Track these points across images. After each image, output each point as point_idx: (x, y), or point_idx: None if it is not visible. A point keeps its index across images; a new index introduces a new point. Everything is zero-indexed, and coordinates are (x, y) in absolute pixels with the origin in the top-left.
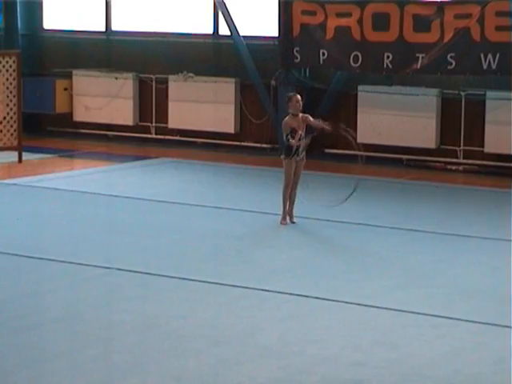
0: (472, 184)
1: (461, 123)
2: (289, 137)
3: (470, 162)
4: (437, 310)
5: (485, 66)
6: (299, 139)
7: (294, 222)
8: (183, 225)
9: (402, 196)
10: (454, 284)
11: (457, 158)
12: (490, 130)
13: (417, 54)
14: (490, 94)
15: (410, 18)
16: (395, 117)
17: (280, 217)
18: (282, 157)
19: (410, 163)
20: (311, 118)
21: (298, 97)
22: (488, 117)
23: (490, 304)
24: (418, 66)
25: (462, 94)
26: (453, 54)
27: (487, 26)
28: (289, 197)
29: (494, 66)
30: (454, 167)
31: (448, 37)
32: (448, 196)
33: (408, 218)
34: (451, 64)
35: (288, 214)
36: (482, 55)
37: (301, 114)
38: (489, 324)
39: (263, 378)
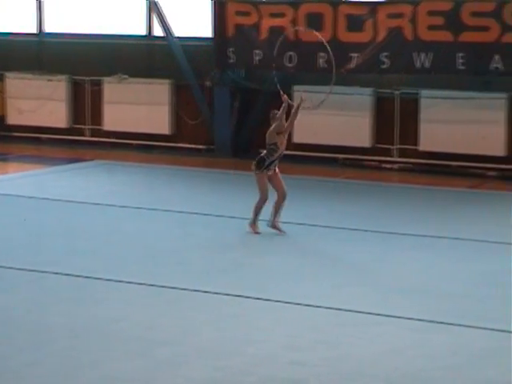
0: (407, 182)
1: (395, 122)
2: (272, 147)
3: (404, 160)
4: (376, 308)
5: (418, 65)
6: (278, 157)
7: (283, 232)
8: (116, 227)
9: (339, 195)
10: (391, 282)
11: (391, 156)
12: (424, 128)
13: (351, 54)
14: (423, 92)
15: (343, 17)
16: (330, 116)
17: (249, 224)
18: (253, 168)
19: (346, 162)
20: (285, 122)
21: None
22: (422, 115)
23: (428, 301)
24: (353, 66)
25: (396, 93)
26: (386, 54)
27: (419, 25)
28: (274, 208)
29: (427, 65)
30: (388, 166)
31: (381, 36)
32: (383, 194)
33: (345, 217)
34: (385, 63)
35: (275, 225)
36: (415, 54)
37: (274, 124)
38: (427, 321)
39: (200, 379)
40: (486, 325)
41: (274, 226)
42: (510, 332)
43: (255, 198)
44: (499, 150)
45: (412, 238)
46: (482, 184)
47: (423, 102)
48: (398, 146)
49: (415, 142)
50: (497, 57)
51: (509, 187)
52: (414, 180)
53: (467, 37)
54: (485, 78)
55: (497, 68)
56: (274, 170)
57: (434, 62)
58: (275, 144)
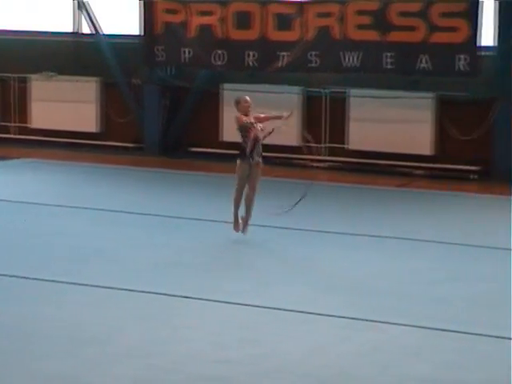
0: (336, 181)
1: (324, 121)
2: (243, 134)
3: (333, 159)
4: (304, 305)
5: (347, 64)
6: (254, 143)
7: (243, 232)
8: (40, 225)
9: (268, 193)
10: (320, 280)
11: (320, 155)
12: (352, 127)
13: (279, 53)
14: (352, 91)
15: (271, 16)
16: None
17: (232, 224)
18: (237, 162)
19: (275, 161)
20: (262, 115)
21: (247, 97)
22: (351, 114)
23: (356, 298)
24: (281, 65)
25: (325, 91)
26: (315, 53)
27: (348, 24)
28: (245, 204)
29: (355, 64)
30: (317, 164)
31: (309, 35)
32: (312, 193)
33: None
34: (313, 62)
35: (243, 221)
36: (343, 53)
37: (253, 115)
38: (355, 318)
39: (127, 378)
40: (412, 322)
41: (243, 219)
42: (433, 329)
43: (183, 196)
44: (426, 149)
45: (341, 237)
46: (410, 183)
47: (352, 101)
48: (327, 145)
49: (344, 140)
50: (424, 57)
51: (436, 186)
52: (343, 178)
53: (395, 36)
54: (412, 77)
55: (424, 68)
56: (257, 162)
57: (363, 61)
58: (246, 130)
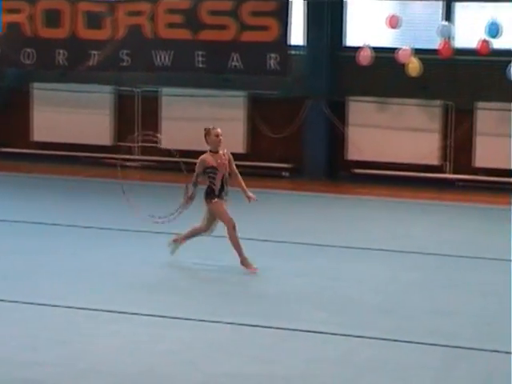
0: (149, 180)
1: (137, 120)
2: (210, 175)
3: (146, 158)
4: (111, 305)
5: (158, 63)
6: (222, 180)
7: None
8: None
9: (71, 194)
10: (128, 279)
11: (133, 154)
12: (165, 126)
13: (90, 51)
14: (164, 90)
15: (81, 14)
16: (71, 114)
17: (240, 260)
18: (209, 204)
19: (87, 161)
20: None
21: (219, 130)
22: (163, 113)
23: (161, 296)
24: (92, 63)
25: (137, 90)
26: (126, 51)
27: (159, 23)
28: (191, 230)
29: (167, 63)
30: (130, 164)
31: (120, 34)
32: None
33: (86, 215)
34: (125, 61)
35: (245, 263)
36: (155, 52)
37: (222, 151)
38: (162, 316)
39: None
40: (222, 319)
41: (242, 263)
42: (243, 325)
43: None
44: (239, 148)
45: (150, 235)
46: None
47: (164, 100)
48: (140, 144)
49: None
50: (235, 55)
51: (248, 184)
52: (158, 177)
53: (206, 35)
54: (224, 76)
55: (236, 66)
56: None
57: (174, 60)
58: (212, 167)
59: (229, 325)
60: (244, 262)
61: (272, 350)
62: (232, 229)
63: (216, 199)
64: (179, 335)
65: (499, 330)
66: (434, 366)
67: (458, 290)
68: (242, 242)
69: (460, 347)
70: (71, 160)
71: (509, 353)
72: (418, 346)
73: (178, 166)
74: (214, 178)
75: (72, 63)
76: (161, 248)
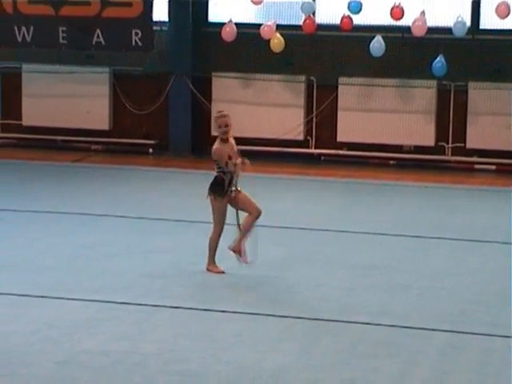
0: (10, 158)
1: None
2: (223, 168)
3: (8, 135)
4: None
5: (19, 39)
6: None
7: (245, 261)
8: None
9: None
10: None
11: None
12: (27, 103)
13: None
14: (25, 67)
15: None
16: None
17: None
18: (211, 197)
19: None
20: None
21: (224, 119)
22: (24, 90)
23: (24, 275)
24: None
25: None
26: None
27: None
28: (243, 228)
29: (28, 39)
30: None
31: None
32: None
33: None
34: None
35: (239, 248)
36: (16, 28)
37: (231, 140)
38: (23, 295)
39: None
40: (85, 296)
41: (235, 248)
42: (108, 302)
43: None
44: (104, 124)
45: (17, 214)
46: (85, 158)
47: (25, 77)
48: (2, 122)
49: (19, 116)
50: (98, 31)
51: (113, 161)
52: (19, 155)
53: (68, 11)
54: (87, 52)
55: (99, 42)
56: (236, 189)
57: (36, 36)
58: (230, 159)
59: (91, 302)
60: (209, 262)
61: (136, 327)
62: (218, 235)
63: (220, 198)
64: (39, 314)
65: (357, 299)
66: (297, 338)
67: (322, 263)
68: None
69: (323, 319)
70: None
71: (369, 323)
72: (281, 319)
73: (40, 143)
74: (224, 172)
75: None
76: (45, 228)
